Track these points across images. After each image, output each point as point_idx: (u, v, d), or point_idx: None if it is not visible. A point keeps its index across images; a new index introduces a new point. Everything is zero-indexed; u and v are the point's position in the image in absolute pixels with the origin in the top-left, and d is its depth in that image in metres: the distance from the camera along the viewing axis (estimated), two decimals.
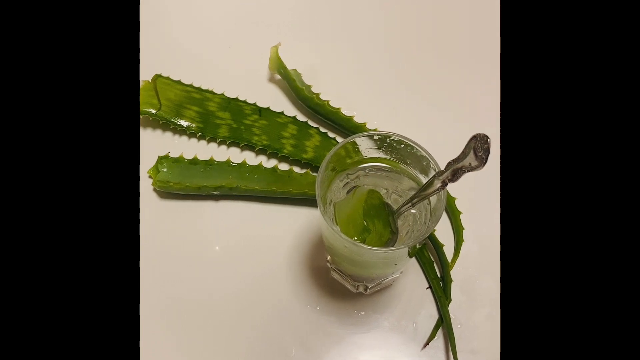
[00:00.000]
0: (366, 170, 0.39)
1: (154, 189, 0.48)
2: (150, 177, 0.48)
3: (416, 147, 0.36)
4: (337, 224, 0.36)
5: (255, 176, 0.48)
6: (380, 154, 0.38)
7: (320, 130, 0.50)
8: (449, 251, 0.45)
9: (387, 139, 0.37)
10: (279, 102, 0.54)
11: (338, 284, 0.44)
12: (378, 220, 0.37)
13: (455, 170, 0.32)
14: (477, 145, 0.30)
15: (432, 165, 0.35)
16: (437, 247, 0.45)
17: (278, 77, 0.55)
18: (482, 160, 0.30)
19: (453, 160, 0.32)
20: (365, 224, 0.36)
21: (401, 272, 0.44)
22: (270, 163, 0.50)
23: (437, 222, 0.34)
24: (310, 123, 0.51)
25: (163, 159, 0.48)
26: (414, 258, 0.45)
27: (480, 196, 0.48)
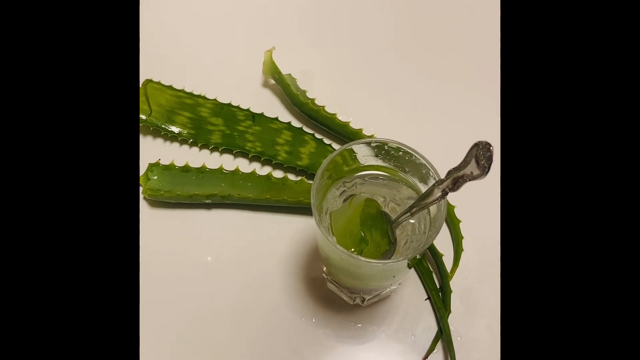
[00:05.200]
0: (364, 179, 0.38)
1: (144, 198, 0.46)
2: (140, 185, 0.47)
3: (415, 154, 0.35)
4: (333, 234, 0.35)
5: (249, 184, 0.46)
6: (378, 162, 0.37)
7: (315, 137, 0.49)
8: (448, 261, 0.44)
9: (385, 146, 0.36)
10: (273, 108, 0.52)
11: (334, 295, 0.43)
12: (376, 230, 0.35)
13: (456, 179, 0.31)
14: (480, 153, 0.29)
15: (431, 174, 0.34)
16: (436, 256, 0.44)
17: (272, 82, 0.53)
18: (485, 169, 0.29)
19: (454, 168, 0.31)
20: (363, 234, 0.35)
21: (399, 284, 0.42)
22: (264, 170, 0.49)
23: (438, 232, 0.33)
24: (306, 129, 0.50)
25: (153, 167, 0.47)
26: (412, 268, 0.44)
27: (480, 204, 0.46)
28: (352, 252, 0.34)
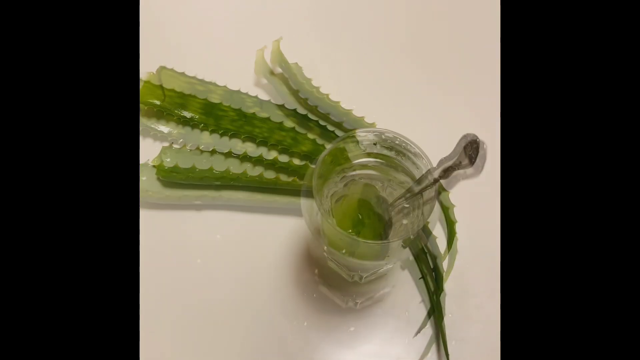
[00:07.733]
0: (363, 166, 0.40)
1: (157, 179, 0.48)
2: (154, 166, 0.48)
3: (410, 144, 0.38)
4: (333, 217, 0.38)
5: (256, 167, 0.49)
6: (377, 150, 0.40)
7: (320, 124, 0.51)
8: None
9: (383, 135, 0.38)
10: (279, 96, 0.54)
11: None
12: (373, 213, 0.38)
13: (447, 168, 0.33)
14: (467, 145, 0.32)
15: (425, 162, 0.37)
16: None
17: (279, 70, 0.55)
18: (472, 159, 0.32)
19: (445, 157, 0.34)
20: (360, 217, 0.38)
21: (395, 263, 0.44)
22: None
23: (430, 214, 0.36)
24: (310, 117, 0.52)
25: (167, 149, 0.50)
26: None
27: (477, 203, 0.46)
28: (350, 233, 0.37)
